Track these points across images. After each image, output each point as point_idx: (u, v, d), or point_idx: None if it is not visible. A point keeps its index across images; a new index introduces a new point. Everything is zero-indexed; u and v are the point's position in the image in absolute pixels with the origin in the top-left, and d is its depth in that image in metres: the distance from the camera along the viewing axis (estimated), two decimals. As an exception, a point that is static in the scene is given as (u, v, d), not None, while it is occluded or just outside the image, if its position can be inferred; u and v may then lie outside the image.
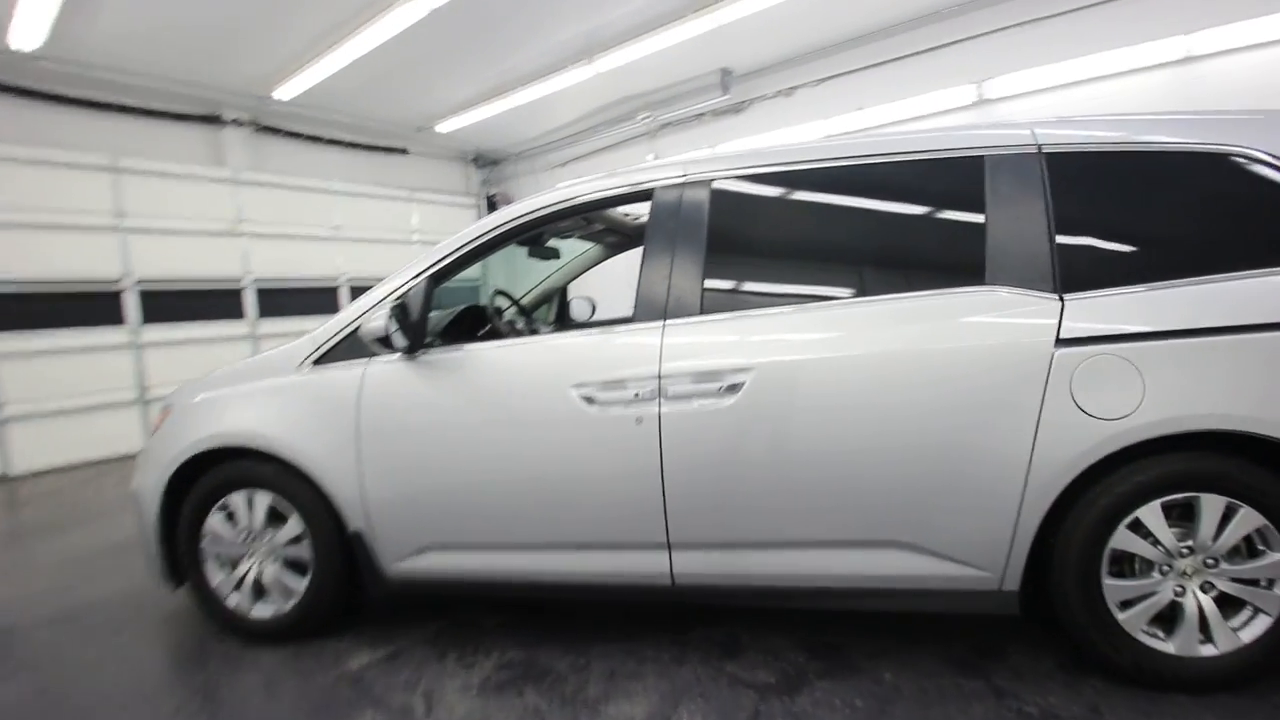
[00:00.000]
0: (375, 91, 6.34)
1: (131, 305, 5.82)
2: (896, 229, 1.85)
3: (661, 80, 6.34)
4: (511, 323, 2.63)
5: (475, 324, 2.58)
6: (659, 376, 1.79)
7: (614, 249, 3.30)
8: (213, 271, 6.28)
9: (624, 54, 5.54)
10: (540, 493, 1.90)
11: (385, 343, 1.92)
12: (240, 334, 6.46)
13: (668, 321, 1.84)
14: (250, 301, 6.51)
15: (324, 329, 2.16)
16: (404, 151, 8.21)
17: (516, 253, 2.92)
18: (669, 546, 1.83)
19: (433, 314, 2.24)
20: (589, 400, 1.84)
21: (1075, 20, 4.58)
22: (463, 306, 2.58)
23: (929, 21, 5.16)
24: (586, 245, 3.36)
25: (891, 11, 5.18)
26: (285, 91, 5.99)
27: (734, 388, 1.74)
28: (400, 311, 1.94)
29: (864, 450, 1.68)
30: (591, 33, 5.28)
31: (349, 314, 2.14)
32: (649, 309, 1.87)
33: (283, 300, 6.72)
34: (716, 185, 1.92)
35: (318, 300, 6.97)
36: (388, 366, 2.04)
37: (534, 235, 2.76)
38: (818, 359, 1.72)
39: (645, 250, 1.93)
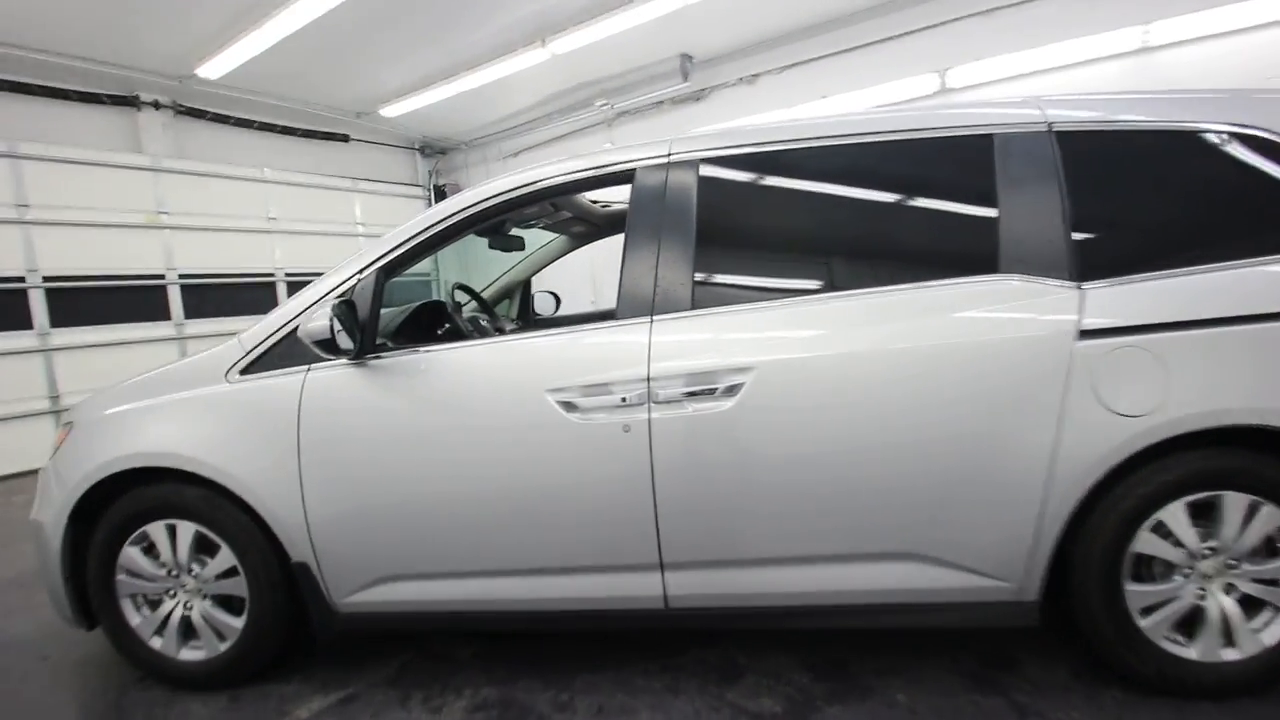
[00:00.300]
0: (311, 72, 5.90)
1: (38, 305, 5.25)
2: (903, 214, 1.71)
3: (619, 66, 6.12)
4: (474, 320, 2.38)
5: (433, 322, 2.33)
6: (648, 379, 1.61)
7: (581, 239, 3.09)
8: (131, 266, 5.73)
9: (579, 36, 5.29)
10: (515, 511, 1.70)
11: (328, 346, 1.67)
12: (165, 335, 5.94)
13: (656, 318, 1.66)
14: (175, 299, 5.98)
15: (255, 330, 1.88)
16: (345, 139, 7.73)
17: (471, 244, 2.68)
18: (662, 567, 1.66)
19: (384, 311, 1.99)
20: (568, 406, 1.64)
21: (1035, 9, 4.60)
22: (418, 303, 2.32)
23: (893, 9, 5.12)
24: (549, 236, 3.14)
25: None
26: (210, 69, 5.50)
27: (732, 389, 1.57)
28: (346, 310, 1.69)
29: (875, 455, 1.54)
30: (544, 12, 5.01)
31: (284, 313, 1.87)
32: (634, 304, 1.69)
33: (213, 297, 6.21)
34: (705, 166, 1.74)
35: (253, 296, 6.47)
36: (332, 373, 1.79)
37: (495, 223, 2.53)
38: (823, 356, 1.56)
39: (627, 239, 1.74)
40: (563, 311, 3.61)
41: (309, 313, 1.73)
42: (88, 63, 5.34)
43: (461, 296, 2.67)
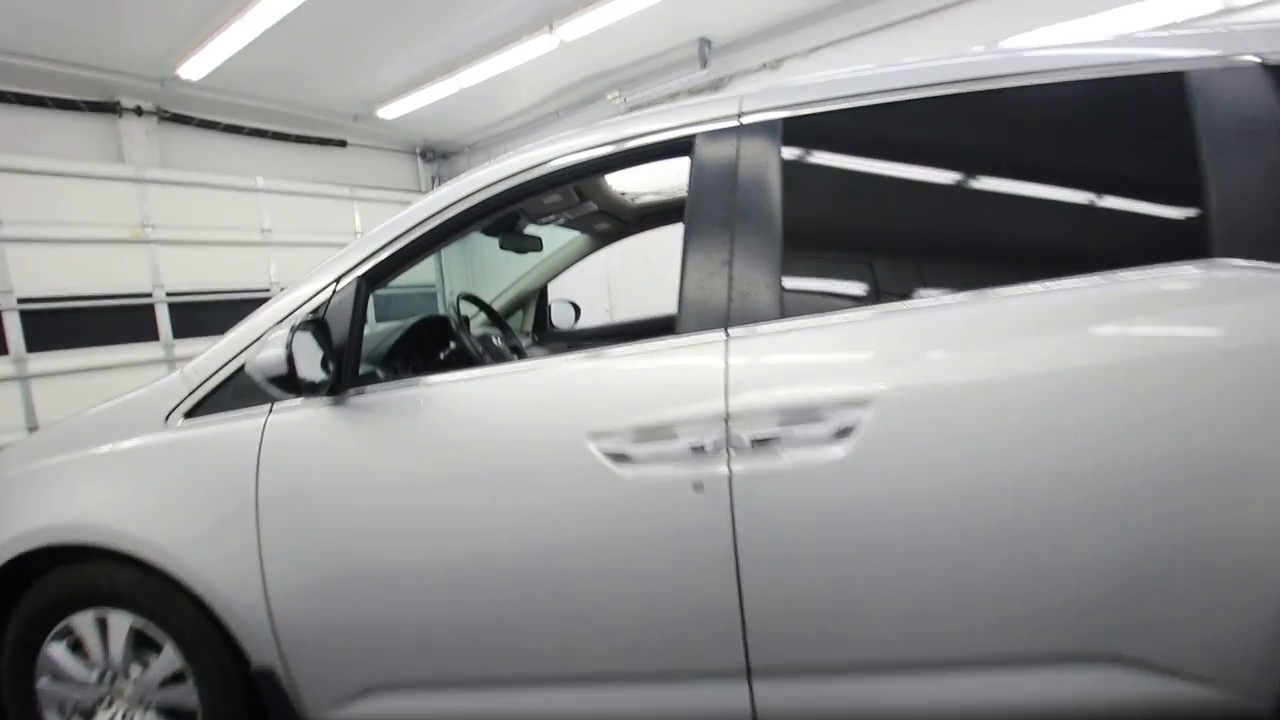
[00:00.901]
0: (302, 71, 5.50)
1: (13, 329, 4.85)
2: (1069, 181, 1.25)
3: (632, 54, 5.68)
4: (485, 339, 1.93)
5: (434, 343, 1.90)
6: (726, 417, 1.17)
7: (604, 239, 2.66)
8: (115, 285, 5.34)
9: (589, 20, 4.86)
10: (547, 600, 1.26)
11: (287, 383, 1.23)
12: (153, 358, 5.53)
13: (733, 333, 1.22)
14: (163, 318, 5.58)
15: (203, 360, 1.46)
16: (342, 144, 7.33)
17: (479, 244, 2.25)
18: (749, 674, 1.21)
19: (372, 331, 1.56)
20: (618, 458, 1.20)
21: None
22: (413, 320, 1.89)
23: (931, -22, 4.65)
24: (565, 236, 2.71)
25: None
26: (192, 69, 5.10)
27: (845, 431, 1.13)
28: (316, 332, 1.26)
29: (1054, 519, 1.09)
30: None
31: (239, 337, 1.45)
32: (701, 315, 1.25)
33: (204, 315, 5.80)
34: (791, 128, 1.30)
35: (247, 313, 6.03)
36: (302, 415, 1.36)
37: (506, 217, 2.10)
38: (968, 382, 1.12)
39: (688, 228, 1.30)
40: (581, 324, 3.17)
41: (268, 337, 1.29)
42: (61, 65, 4.96)
43: (469, 309, 2.23)
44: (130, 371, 5.35)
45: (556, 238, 2.71)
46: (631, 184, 2.39)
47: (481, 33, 5.05)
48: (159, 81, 5.33)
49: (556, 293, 3.07)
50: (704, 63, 5.61)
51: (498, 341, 1.88)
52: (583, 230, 2.56)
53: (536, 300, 2.91)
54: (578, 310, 3.17)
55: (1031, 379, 1.10)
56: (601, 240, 2.64)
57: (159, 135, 5.83)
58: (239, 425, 1.39)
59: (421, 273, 7.56)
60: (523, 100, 6.66)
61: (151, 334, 5.55)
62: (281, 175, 6.58)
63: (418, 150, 8.22)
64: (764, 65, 5.53)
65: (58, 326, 5.03)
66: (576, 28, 4.95)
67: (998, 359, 1.11)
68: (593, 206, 2.15)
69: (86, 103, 5.43)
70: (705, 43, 5.55)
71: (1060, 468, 1.08)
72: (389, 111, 6.54)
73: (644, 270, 5.81)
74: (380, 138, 7.60)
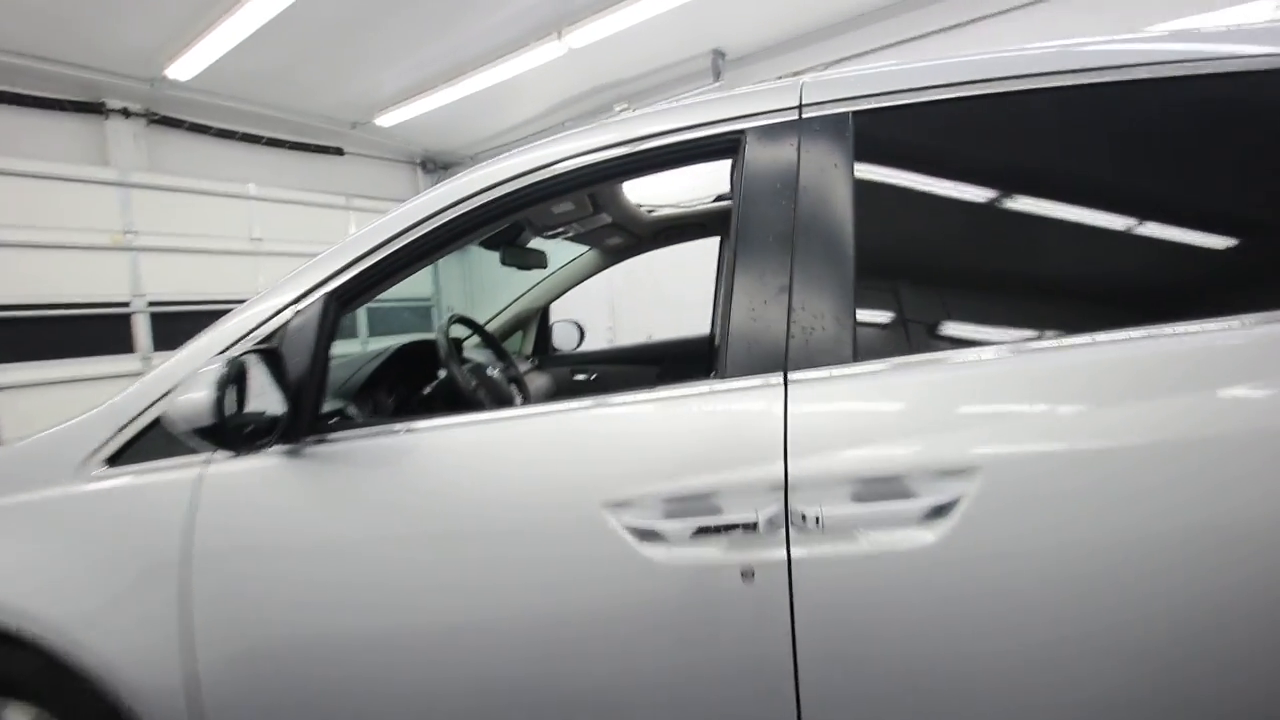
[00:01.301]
0: (297, 74, 5.29)
1: (-20, 338, 4.58)
2: (1224, 189, 1.00)
3: (642, 64, 5.49)
4: (479, 369, 1.64)
5: (419, 372, 1.63)
6: (785, 486, 0.91)
7: (615, 255, 2.40)
8: (92, 293, 5.07)
9: (599, 26, 4.66)
10: (555, 710, 0.98)
11: (214, 436, 0.96)
12: (130, 371, 5.23)
13: (793, 376, 0.95)
14: (143, 329, 5.31)
15: (127, 396, 1.18)
16: (339, 152, 7.12)
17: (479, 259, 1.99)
18: (812, 822, 0.93)
19: (338, 356, 1.30)
20: (644, 534, 0.94)
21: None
22: (395, 345, 1.62)
23: (955, -9, 4.47)
24: (571, 251, 2.45)
25: (908, -18, 4.48)
26: (181, 69, 4.88)
27: (942, 509, 0.86)
28: (266, 365, 1.00)
29: (1236, 634, 0.82)
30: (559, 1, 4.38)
31: (172, 369, 1.17)
32: (751, 352, 0.99)
33: (188, 327, 5.47)
34: (865, 122, 1.05)
35: (233, 326, 5.78)
36: (248, 467, 1.09)
37: (506, 229, 1.85)
38: (1109, 449, 0.85)
39: (736, 246, 1.04)
40: (585, 347, 2.90)
41: (199, 375, 1.01)
42: (43, 63, 4.73)
43: (461, 331, 1.96)
44: (103, 385, 5.05)
45: (560, 252, 2.46)
46: (647, 194, 2.15)
47: (487, 37, 4.84)
48: (148, 82, 5.11)
49: (556, 310, 2.82)
50: (717, 75, 5.41)
51: (494, 372, 1.62)
52: (592, 245, 2.31)
53: (538, 320, 2.65)
54: (582, 331, 2.91)
55: (1199, 444, 0.83)
56: (612, 257, 2.38)
57: (147, 138, 5.60)
58: (169, 478, 1.11)
59: (416, 285, 7.27)
60: (527, 110, 6.45)
61: (129, 345, 5.26)
62: (275, 182, 6.35)
63: (417, 160, 8.01)
64: (780, 79, 5.34)
65: (26, 335, 4.75)
66: (586, 35, 4.75)
67: (1148, 418, 0.85)
68: (606, 219, 1.89)
69: (71, 103, 5.20)
70: (719, 54, 5.37)
71: (1245, 569, 0.81)
72: (388, 119, 6.33)
73: (650, 288, 5.57)
74: (378, 146, 7.38)
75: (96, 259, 5.11)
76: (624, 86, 5.84)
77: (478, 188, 1.15)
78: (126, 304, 5.24)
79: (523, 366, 2.33)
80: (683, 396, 1.00)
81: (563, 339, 2.82)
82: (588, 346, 2.91)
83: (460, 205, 1.14)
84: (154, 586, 1.07)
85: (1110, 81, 0.96)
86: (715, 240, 2.37)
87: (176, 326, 5.50)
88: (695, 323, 2.90)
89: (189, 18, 4.26)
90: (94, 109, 5.30)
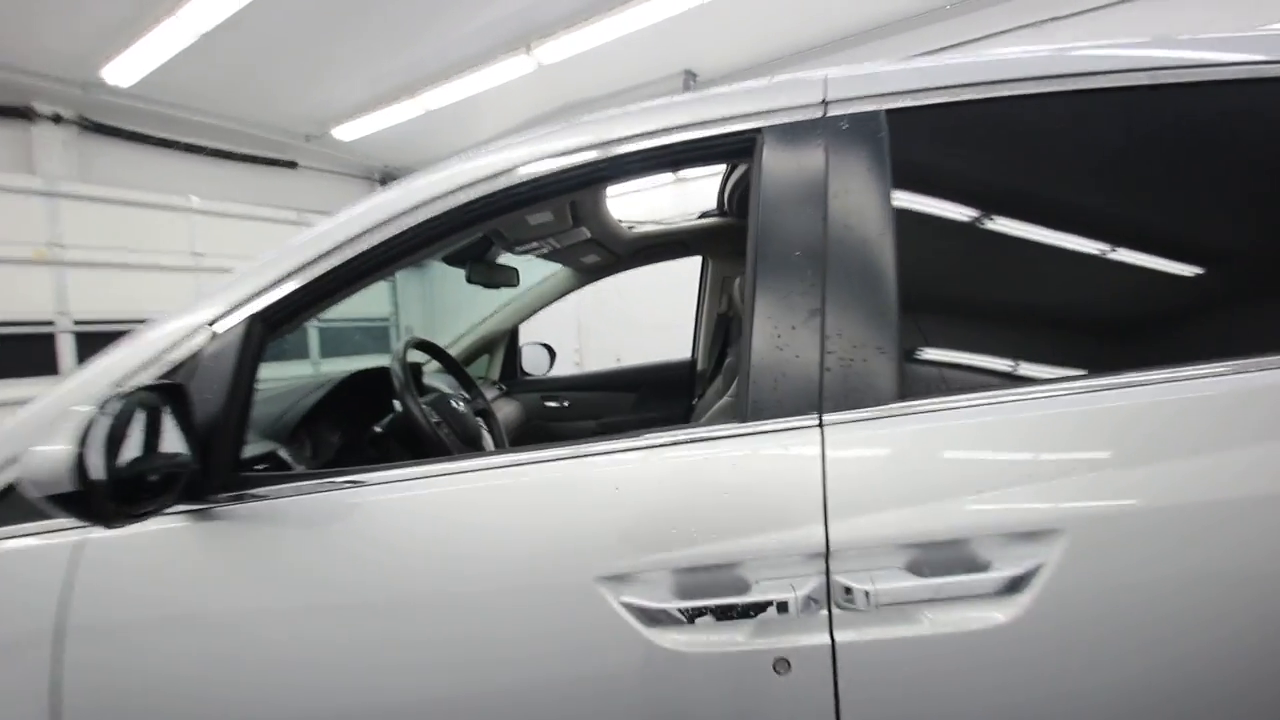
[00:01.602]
0: (247, 83, 5.01)
1: (-126, 360, 4.11)
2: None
3: (613, 83, 5.39)
4: (441, 402, 1.39)
5: (371, 407, 1.41)
6: (826, 554, 0.74)
7: (592, 273, 2.23)
8: (10, 310, 4.64)
9: (569, 42, 4.54)
10: None
11: (76, 506, 0.72)
12: (51, 395, 4.80)
13: (829, 419, 0.79)
14: (67, 350, 4.87)
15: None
16: (292, 165, 6.80)
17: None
18: None
19: (269, 387, 1.08)
20: (648, 616, 0.76)
21: (1094, 20, 4.03)
22: (341, 375, 1.40)
23: (929, 20, 4.50)
24: (543, 266, 2.27)
25: (883, 8, 4.49)
26: (118, 73, 4.56)
27: (1018, 582, 0.71)
28: (172, 404, 0.79)
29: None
30: (529, 10, 4.24)
31: (45, 409, 0.94)
32: (777, 390, 0.82)
33: (119, 348, 5.11)
34: (903, 121, 0.90)
35: (170, 347, 5.37)
36: (141, 531, 0.86)
37: (475, 242, 1.66)
38: (1240, 498, 0.72)
39: (756, 269, 0.87)
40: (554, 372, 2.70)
41: (58, 423, 0.77)
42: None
43: (420, 357, 1.74)
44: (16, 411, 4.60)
45: (532, 270, 2.28)
46: (626, 209, 1.99)
47: (453, 50, 4.67)
48: (80, 86, 4.77)
49: (524, 332, 2.62)
50: (688, 96, 5.35)
51: (458, 405, 1.40)
52: (567, 262, 2.13)
53: (506, 342, 2.45)
54: (553, 354, 2.71)
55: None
56: (588, 275, 2.21)
57: (79, 146, 5.23)
58: (39, 548, 0.87)
59: (372, 303, 6.89)
60: (492, 127, 6.28)
61: (51, 368, 4.82)
62: (221, 196, 6.00)
63: (376, 177, 7.75)
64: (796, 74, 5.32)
65: (-67, 357, 4.31)
66: (556, 50, 4.63)
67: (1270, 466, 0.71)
68: (585, 233, 1.70)
69: (-8, 106, 4.81)
70: (690, 75, 5.31)
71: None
72: (346, 132, 6.08)
73: (618, 310, 5.40)
74: (335, 160, 7.10)
75: (18, 273, 4.68)
76: (593, 105, 5.74)
77: (443, 190, 0.95)
78: (50, 323, 4.81)
79: (490, 394, 2.11)
80: (691, 441, 0.81)
81: (533, 363, 2.61)
82: (557, 371, 2.71)
83: (420, 211, 0.95)
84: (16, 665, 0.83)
85: (1177, 84, 0.84)
86: (690, 259, 2.24)
87: (105, 347, 5.08)
88: (667, 345, 2.75)
89: (128, 18, 3.98)
90: (19, 113, 4.91)
